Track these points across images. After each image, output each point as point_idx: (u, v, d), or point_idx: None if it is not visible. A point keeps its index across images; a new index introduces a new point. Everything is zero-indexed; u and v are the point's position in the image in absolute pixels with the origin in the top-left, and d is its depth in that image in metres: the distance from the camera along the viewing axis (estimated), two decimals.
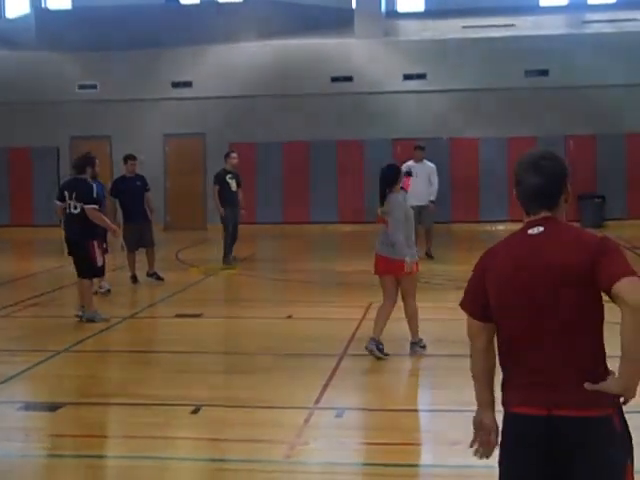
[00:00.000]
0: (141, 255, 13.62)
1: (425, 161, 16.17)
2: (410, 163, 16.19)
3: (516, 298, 3.20)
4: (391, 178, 8.68)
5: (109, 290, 12.49)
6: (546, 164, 3.31)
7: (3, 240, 21.88)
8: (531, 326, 3.18)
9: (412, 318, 8.68)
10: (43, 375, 8.16)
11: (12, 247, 21.30)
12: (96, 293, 12.18)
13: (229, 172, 15.49)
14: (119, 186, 13.72)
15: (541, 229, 3.25)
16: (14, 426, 6.70)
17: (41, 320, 11.11)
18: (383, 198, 8.57)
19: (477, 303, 3.35)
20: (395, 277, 8.52)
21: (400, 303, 8.63)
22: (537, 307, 3.17)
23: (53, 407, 6.97)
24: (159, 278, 13.74)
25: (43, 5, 26.46)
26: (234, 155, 15.69)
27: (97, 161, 10.83)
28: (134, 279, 13.58)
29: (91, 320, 10.37)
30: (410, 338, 8.67)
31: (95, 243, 10.49)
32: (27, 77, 23.23)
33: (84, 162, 10.59)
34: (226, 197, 15.29)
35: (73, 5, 26.02)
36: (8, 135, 23.04)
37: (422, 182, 15.85)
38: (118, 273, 15.18)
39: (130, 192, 13.51)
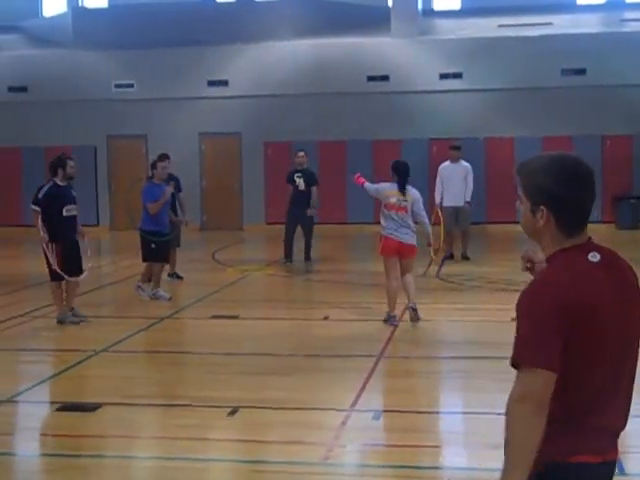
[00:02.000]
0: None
1: (461, 161, 16.07)
2: (446, 163, 16.14)
3: (610, 339, 2.75)
4: (409, 172, 10.10)
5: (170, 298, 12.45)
6: (591, 173, 2.84)
7: (35, 240, 22.10)
8: (615, 369, 2.80)
9: (411, 286, 10.01)
10: (81, 375, 8.23)
11: None
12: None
13: (298, 170, 15.56)
14: None
15: (598, 256, 2.80)
16: (53, 426, 6.77)
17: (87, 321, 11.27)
18: (404, 189, 9.95)
19: (556, 351, 2.71)
20: (403, 257, 9.95)
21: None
22: (626, 347, 2.82)
23: (92, 407, 7.00)
24: (179, 277, 13.93)
25: (80, 4, 26.70)
26: (299, 154, 15.74)
27: (72, 163, 10.60)
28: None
29: (61, 322, 10.51)
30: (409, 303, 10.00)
31: (48, 246, 10.50)
32: (64, 76, 23.44)
33: (55, 164, 10.49)
34: (293, 196, 15.47)
35: (109, 4, 26.21)
36: (45, 134, 23.28)
37: (458, 183, 15.78)
38: None
39: None
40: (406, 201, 9.90)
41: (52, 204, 10.34)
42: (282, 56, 22.83)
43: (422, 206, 10.09)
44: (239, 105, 23.05)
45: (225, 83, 23.13)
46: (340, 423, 6.49)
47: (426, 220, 10.20)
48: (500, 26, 22.84)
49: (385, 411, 6.91)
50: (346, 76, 22.47)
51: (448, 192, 15.84)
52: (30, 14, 26.35)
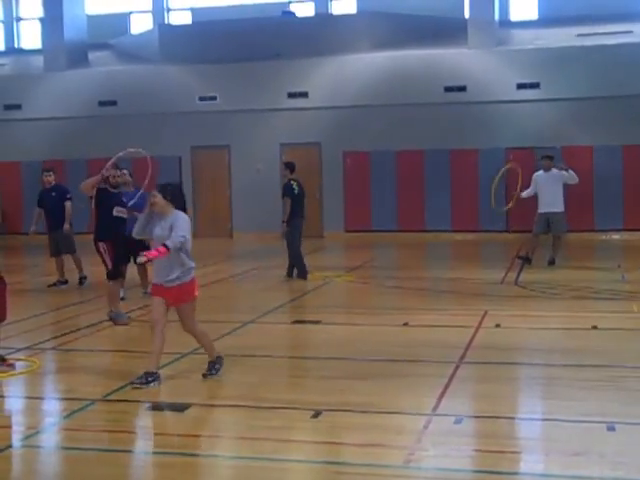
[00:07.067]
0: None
1: (553, 169, 16.19)
2: (540, 173, 16.38)
3: None
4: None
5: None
6: None
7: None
8: None
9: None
10: (170, 376, 8.38)
11: None
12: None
13: (295, 180, 14.97)
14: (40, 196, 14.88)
15: None
16: (144, 425, 6.96)
17: (167, 324, 11.53)
18: None
19: None
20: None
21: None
22: None
23: (181, 407, 7.20)
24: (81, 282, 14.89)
25: (166, 21, 27.40)
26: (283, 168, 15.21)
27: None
28: (60, 283, 14.78)
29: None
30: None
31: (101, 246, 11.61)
32: (151, 90, 24.05)
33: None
34: (294, 206, 14.87)
35: (194, 20, 26.84)
36: (132, 145, 23.65)
37: (551, 190, 16.01)
38: (235, 280, 15.59)
39: (47, 203, 14.63)
40: None
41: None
42: (360, 68, 23.02)
43: None
44: (319, 116, 23.30)
45: (305, 95, 23.40)
46: (422, 427, 6.54)
47: None
48: (578, 35, 22.66)
49: (466, 416, 6.90)
50: (424, 87, 22.55)
51: (541, 199, 16.11)
52: (119, 32, 27.24)
